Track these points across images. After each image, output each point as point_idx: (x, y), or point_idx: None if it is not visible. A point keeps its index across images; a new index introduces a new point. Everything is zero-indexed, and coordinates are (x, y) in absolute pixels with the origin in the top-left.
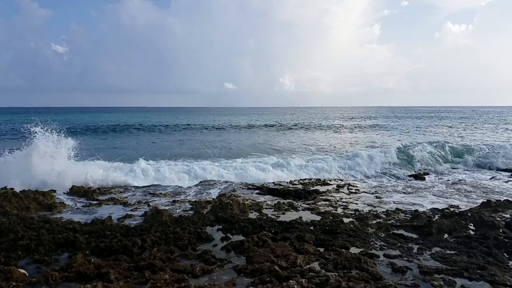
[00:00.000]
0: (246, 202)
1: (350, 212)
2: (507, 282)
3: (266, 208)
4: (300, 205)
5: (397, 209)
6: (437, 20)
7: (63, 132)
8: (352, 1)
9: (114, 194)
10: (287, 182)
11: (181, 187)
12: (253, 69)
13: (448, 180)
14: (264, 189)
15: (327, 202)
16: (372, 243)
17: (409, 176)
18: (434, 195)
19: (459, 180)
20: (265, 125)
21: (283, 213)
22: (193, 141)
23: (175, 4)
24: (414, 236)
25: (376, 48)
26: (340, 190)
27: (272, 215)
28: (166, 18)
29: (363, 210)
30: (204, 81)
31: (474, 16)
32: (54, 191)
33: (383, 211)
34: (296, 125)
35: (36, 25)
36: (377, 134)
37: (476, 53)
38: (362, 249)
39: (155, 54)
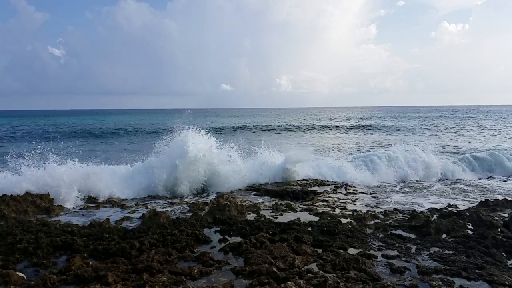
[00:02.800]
0: (243, 204)
1: (348, 212)
2: (506, 282)
3: (264, 209)
4: (298, 206)
5: (395, 209)
6: (433, 20)
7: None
8: (348, 1)
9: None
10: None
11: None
12: (250, 70)
13: (446, 179)
14: (261, 190)
15: (325, 203)
16: (370, 243)
17: None
18: (432, 194)
19: (457, 179)
20: (266, 126)
21: (281, 214)
22: None
23: (171, 6)
24: (412, 236)
25: (373, 48)
26: (338, 190)
27: (270, 216)
28: (162, 20)
29: (361, 211)
30: (200, 83)
31: (470, 15)
32: None
33: (381, 212)
34: (298, 126)
35: (33, 28)
36: (387, 135)
37: (472, 52)
38: (360, 250)
39: (152, 56)
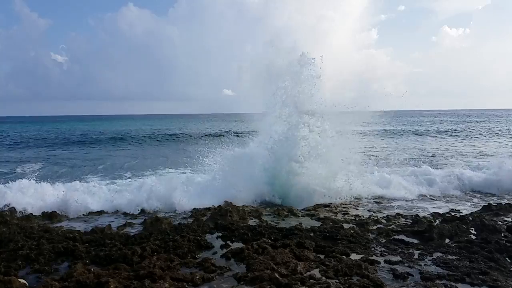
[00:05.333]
0: (245, 209)
1: (351, 217)
2: (510, 287)
3: (265, 215)
4: (300, 211)
5: (397, 214)
6: (434, 24)
7: None
8: (348, 6)
9: None
10: None
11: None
12: (252, 74)
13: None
14: None
15: (327, 208)
16: (372, 249)
17: None
18: (435, 199)
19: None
20: None
21: (283, 220)
22: (197, 148)
23: (173, 12)
24: (415, 241)
25: (374, 52)
26: None
27: (271, 221)
28: (164, 26)
29: (363, 216)
30: (202, 88)
31: (471, 19)
32: None
33: (383, 216)
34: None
35: (35, 35)
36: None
37: (473, 56)
38: (362, 255)
39: (154, 61)
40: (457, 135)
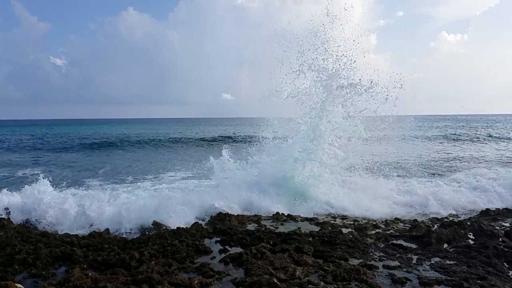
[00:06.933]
0: (244, 213)
1: (349, 222)
2: None
3: (264, 219)
4: (299, 215)
5: (396, 218)
6: (432, 30)
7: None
8: (348, 11)
9: None
10: None
11: None
12: (251, 79)
13: None
14: None
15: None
16: (371, 254)
17: None
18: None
19: None
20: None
21: (282, 224)
22: (198, 151)
23: (173, 16)
24: (414, 246)
25: (373, 57)
26: None
27: (270, 226)
28: (164, 31)
29: (362, 220)
30: (201, 92)
31: (469, 25)
32: None
33: (382, 221)
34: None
35: (35, 38)
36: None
37: (471, 61)
38: (361, 260)
39: (153, 66)
40: (458, 139)
